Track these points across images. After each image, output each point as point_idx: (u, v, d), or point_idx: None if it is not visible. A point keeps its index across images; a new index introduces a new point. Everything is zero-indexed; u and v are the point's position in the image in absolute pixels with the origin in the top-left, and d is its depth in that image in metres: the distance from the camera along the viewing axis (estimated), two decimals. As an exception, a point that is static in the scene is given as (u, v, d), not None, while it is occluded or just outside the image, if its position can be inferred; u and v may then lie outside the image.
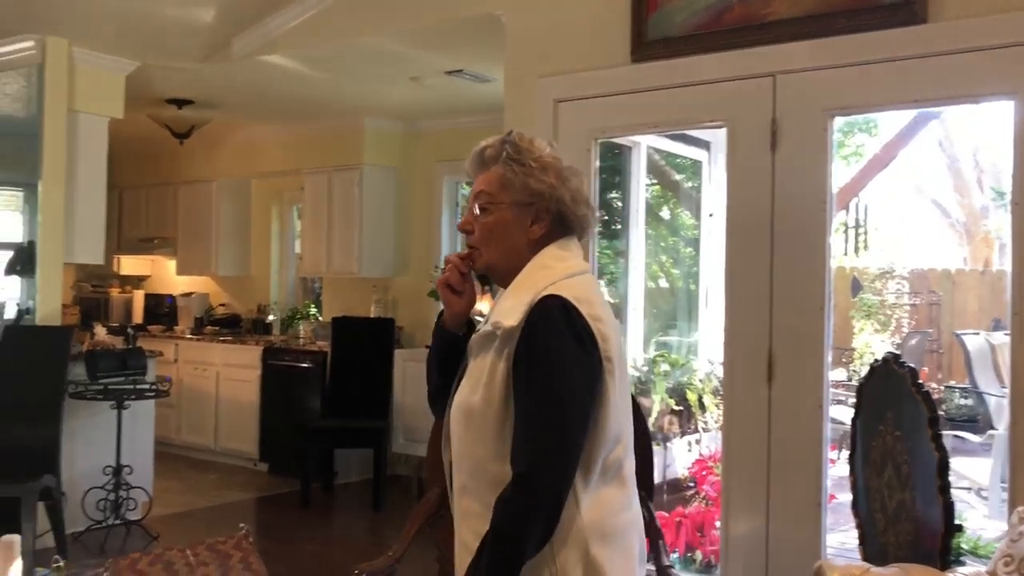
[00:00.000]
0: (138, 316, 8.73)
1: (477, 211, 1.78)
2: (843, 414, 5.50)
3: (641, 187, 4.83)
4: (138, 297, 8.92)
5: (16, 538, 1.88)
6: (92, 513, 5.29)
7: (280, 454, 7.02)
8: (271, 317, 8.12)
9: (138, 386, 5.46)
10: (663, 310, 5.75)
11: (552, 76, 3.95)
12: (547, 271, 1.71)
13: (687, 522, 4.22)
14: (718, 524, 3.94)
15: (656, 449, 3.96)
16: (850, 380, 7.69)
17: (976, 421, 6.98)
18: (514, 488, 1.61)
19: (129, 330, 6.20)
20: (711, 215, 5.04)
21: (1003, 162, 9.23)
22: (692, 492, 4.57)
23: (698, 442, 4.87)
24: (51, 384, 4.90)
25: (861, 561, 2.57)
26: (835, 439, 4.97)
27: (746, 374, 3.41)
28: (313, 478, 6.31)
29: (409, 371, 6.66)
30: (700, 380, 4.89)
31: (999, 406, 5.90)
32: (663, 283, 6.00)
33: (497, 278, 1.81)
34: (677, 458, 4.79)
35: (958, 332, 7.89)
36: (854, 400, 3.17)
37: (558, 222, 1.76)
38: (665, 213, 6.43)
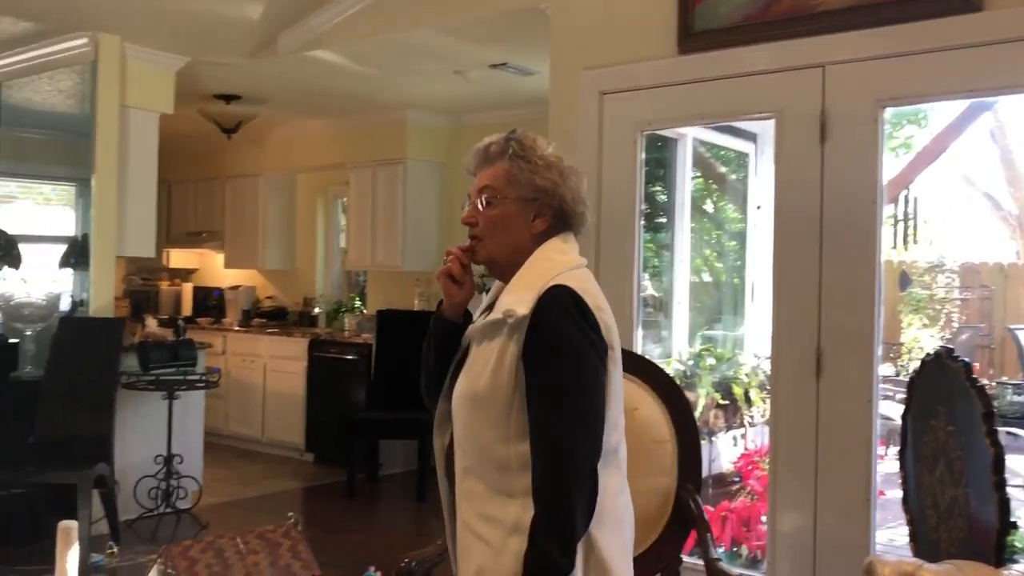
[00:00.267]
0: (187, 308, 8.89)
1: (481, 205, 1.83)
2: (891, 409, 5.42)
3: (687, 180, 4.80)
4: (187, 290, 9.08)
5: (74, 524, 1.93)
6: (144, 501, 5.40)
7: (326, 445, 7.11)
8: (317, 310, 8.21)
9: (188, 377, 5.57)
10: (707, 304, 5.70)
11: (597, 68, 3.94)
12: (551, 263, 1.78)
13: (733, 516, 4.20)
14: (764, 519, 3.91)
15: (701, 443, 3.94)
16: (898, 375, 7.57)
17: (1029, 417, 6.83)
18: (552, 470, 1.66)
19: (179, 322, 6.32)
20: (759, 208, 4.99)
21: (1058, 153, 9.01)
22: (737, 486, 4.55)
23: (744, 436, 4.83)
24: (105, 375, 5.01)
25: (912, 557, 2.53)
26: (882, 435, 4.90)
27: (794, 369, 3.38)
28: (358, 469, 6.38)
29: (453, 363, 6.69)
30: (746, 374, 4.86)
31: (1053, 402, 5.78)
32: (706, 277, 5.95)
33: (497, 271, 1.87)
34: (722, 452, 4.76)
35: (1011, 327, 7.73)
36: (902, 395, 3.13)
37: (559, 218, 1.84)
38: (708, 206, 6.37)
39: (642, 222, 3.94)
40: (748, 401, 4.81)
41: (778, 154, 3.51)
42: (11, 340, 5.46)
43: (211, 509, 5.72)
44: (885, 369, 7.49)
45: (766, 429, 4.66)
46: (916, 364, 3.00)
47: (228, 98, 6.87)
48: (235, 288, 8.70)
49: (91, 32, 5.34)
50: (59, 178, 7.62)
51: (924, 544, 2.67)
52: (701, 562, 2.59)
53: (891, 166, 8.26)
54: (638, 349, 3.86)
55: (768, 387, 4.52)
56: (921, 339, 8.74)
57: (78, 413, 4.88)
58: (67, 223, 7.85)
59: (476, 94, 6.52)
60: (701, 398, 4.65)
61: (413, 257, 7.19)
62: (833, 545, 3.26)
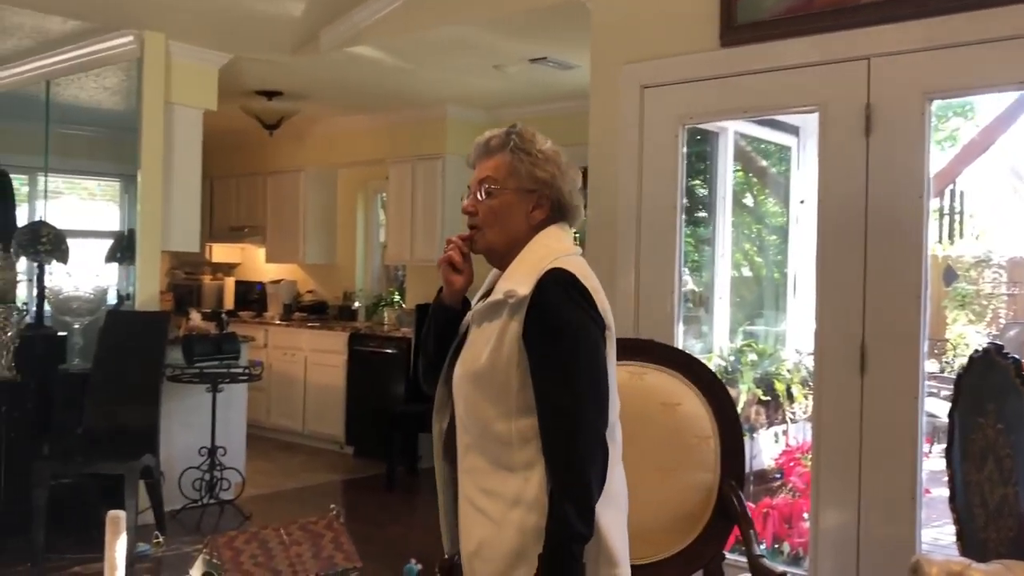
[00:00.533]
0: (229, 302, 9.00)
1: (481, 195, 1.90)
2: (935, 406, 5.34)
3: (728, 173, 4.75)
4: (229, 284, 9.20)
5: (122, 514, 1.96)
6: (188, 492, 5.48)
7: (365, 437, 7.17)
8: (356, 304, 8.27)
9: (232, 370, 5.64)
10: (747, 299, 5.65)
11: (639, 62, 3.92)
12: (548, 249, 1.85)
13: (774, 513, 4.16)
14: (806, 516, 3.88)
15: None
16: (942, 372, 7.45)
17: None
18: (565, 439, 1.72)
19: (222, 316, 6.40)
20: (802, 202, 4.94)
21: (1110, 145, 8.78)
22: (779, 483, 4.51)
23: (785, 433, 4.79)
24: (150, 367, 5.09)
25: (960, 557, 2.50)
26: (927, 432, 4.83)
27: (838, 365, 3.34)
28: (398, 461, 6.42)
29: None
30: (788, 370, 4.81)
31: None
32: (746, 272, 5.89)
33: (495, 259, 1.93)
34: (764, 449, 4.72)
35: (1060, 323, 7.56)
36: (947, 392, 3.08)
37: (556, 210, 1.91)
38: (748, 200, 6.31)
39: (683, 216, 3.92)
40: (790, 397, 4.76)
41: (822, 148, 3.47)
42: (60, 333, 5.57)
43: (253, 500, 5.79)
44: (929, 365, 7.37)
45: (808, 425, 4.61)
46: (961, 361, 2.96)
47: (270, 94, 6.94)
48: (276, 282, 8.80)
49: (137, 30, 5.42)
50: (105, 174, 7.76)
51: (972, 543, 2.63)
52: (743, 558, 2.58)
53: (937, 159, 8.11)
54: (679, 344, 3.84)
55: (810, 383, 4.48)
56: (967, 335, 8.58)
57: (125, 405, 4.96)
58: (111, 218, 7.99)
59: (515, 89, 6.52)
60: (742, 394, 4.62)
61: (452, 252, 7.20)
62: (877, 543, 3.22)
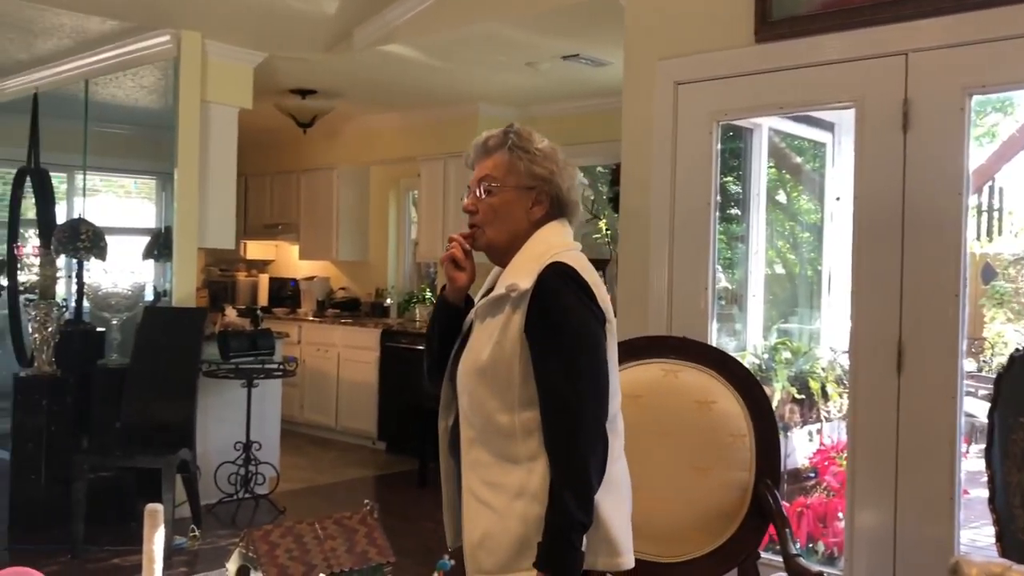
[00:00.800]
0: (263, 299, 9.08)
1: (481, 194, 1.93)
2: (972, 406, 5.26)
3: (763, 170, 4.71)
4: (263, 280, 9.28)
5: (160, 507, 1.99)
6: (224, 486, 5.54)
7: (398, 433, 7.21)
8: (388, 301, 8.32)
9: (267, 366, 5.69)
10: (780, 297, 5.60)
11: (673, 58, 3.90)
12: (548, 245, 1.88)
13: (809, 512, 4.13)
14: (841, 516, 3.84)
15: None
16: (980, 371, 7.34)
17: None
18: (565, 430, 1.75)
19: (257, 312, 6.46)
20: (838, 199, 4.89)
21: None
22: (813, 482, 4.47)
23: (819, 432, 4.74)
24: (187, 363, 5.16)
25: (1000, 558, 2.46)
26: (964, 432, 4.77)
27: (874, 363, 3.31)
28: (430, 457, 6.43)
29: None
30: (823, 368, 4.76)
31: None
32: (778, 269, 5.84)
33: (496, 256, 1.96)
34: (797, 448, 4.68)
35: (1102, 322, 7.42)
36: (984, 391, 3.04)
37: (555, 206, 1.94)
38: (781, 197, 6.25)
39: (717, 213, 3.90)
40: (824, 396, 4.71)
41: (859, 144, 3.43)
42: (98, 329, 5.66)
43: (287, 495, 5.85)
44: (967, 364, 7.26)
45: (842, 424, 4.57)
46: (1000, 360, 2.91)
47: (304, 93, 6.99)
48: (310, 279, 8.87)
49: (174, 29, 5.49)
50: (142, 172, 7.88)
51: (1012, 545, 2.59)
52: (777, 557, 2.56)
53: (975, 155, 7.98)
54: (712, 342, 3.82)
55: (845, 382, 4.43)
56: (1005, 334, 8.45)
57: (162, 400, 5.03)
58: (146, 215, 8.10)
59: (547, 86, 6.52)
60: (776, 392, 4.58)
61: (483, 249, 7.22)
62: (914, 544, 3.19)
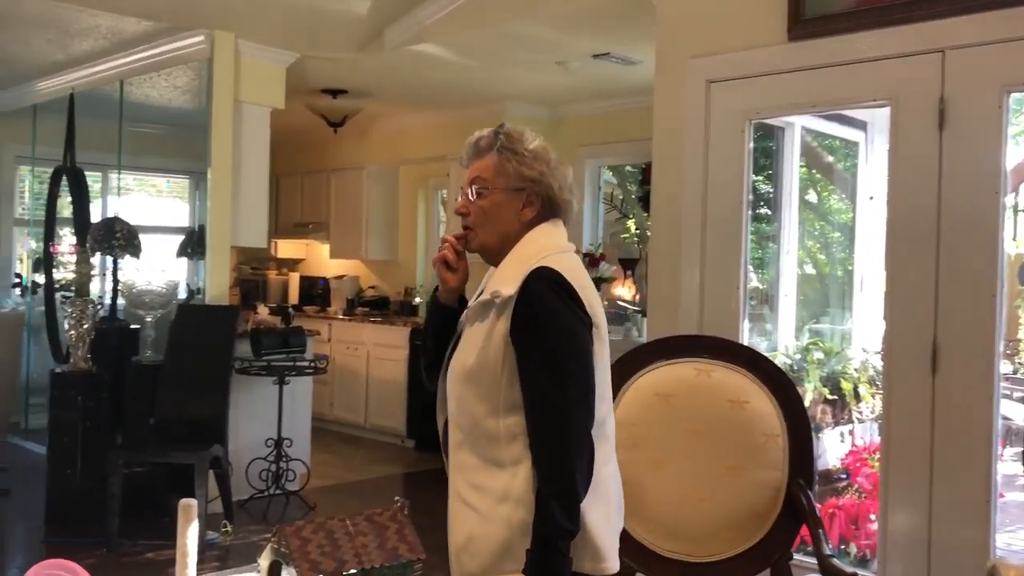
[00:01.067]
0: (294, 297, 9.16)
1: (472, 195, 1.92)
2: (1008, 408, 5.20)
3: (795, 169, 4.68)
4: (293, 279, 9.36)
5: (194, 502, 2.01)
6: (255, 482, 5.59)
7: (427, 431, 7.22)
8: (417, 299, 8.34)
9: (298, 363, 5.73)
10: (811, 297, 5.56)
11: (704, 57, 3.88)
12: (538, 247, 1.87)
13: (841, 514, 4.09)
14: (873, 517, 3.81)
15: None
16: (1015, 373, 7.24)
17: None
18: (551, 436, 1.74)
19: (288, 310, 6.51)
20: (871, 198, 4.84)
21: None
22: (845, 483, 4.43)
23: (852, 433, 4.70)
24: (219, 360, 5.20)
25: (1037, 562, 2.44)
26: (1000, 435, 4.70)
27: (908, 364, 3.27)
28: (459, 456, 6.46)
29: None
30: (855, 369, 4.71)
31: None
32: (809, 269, 5.79)
33: (489, 257, 1.96)
34: (829, 448, 4.64)
35: None
36: (1020, 394, 3.00)
37: (547, 206, 1.92)
38: (811, 196, 6.20)
39: (749, 212, 3.88)
40: (857, 396, 4.67)
41: (893, 143, 3.40)
42: (132, 326, 5.74)
43: (317, 492, 5.89)
44: (1003, 366, 7.17)
45: (875, 425, 4.52)
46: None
47: (335, 92, 7.03)
48: (340, 278, 8.93)
49: (207, 30, 5.54)
50: (175, 171, 7.97)
51: (1049, 548, 2.56)
52: (809, 558, 2.55)
53: (1012, 154, 7.87)
54: (744, 342, 3.80)
55: (877, 382, 4.39)
56: (1040, 336, 8.31)
57: (195, 396, 5.08)
58: (179, 214, 8.19)
59: (577, 85, 6.51)
60: (808, 393, 4.54)
61: (512, 248, 7.22)
62: (949, 547, 3.15)
